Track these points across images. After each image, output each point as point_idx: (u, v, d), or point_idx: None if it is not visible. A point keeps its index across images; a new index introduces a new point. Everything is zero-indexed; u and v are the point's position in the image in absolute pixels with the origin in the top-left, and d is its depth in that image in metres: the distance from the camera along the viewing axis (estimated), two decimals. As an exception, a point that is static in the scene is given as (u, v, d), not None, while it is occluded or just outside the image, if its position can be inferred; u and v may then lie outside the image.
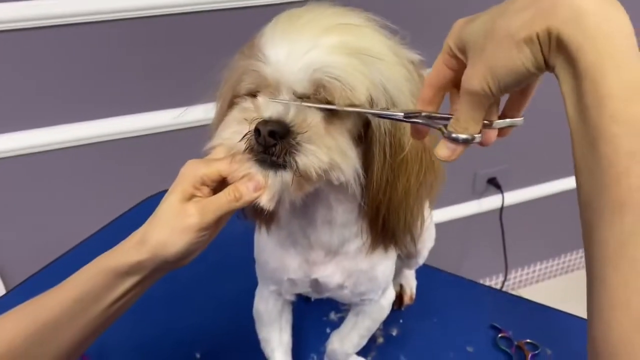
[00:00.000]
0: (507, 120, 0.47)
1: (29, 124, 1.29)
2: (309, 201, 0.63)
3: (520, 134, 2.09)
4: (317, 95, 0.54)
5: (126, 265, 0.57)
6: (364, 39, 0.55)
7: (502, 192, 1.96)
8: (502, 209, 1.99)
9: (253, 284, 0.83)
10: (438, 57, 0.47)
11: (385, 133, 0.56)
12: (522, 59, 0.39)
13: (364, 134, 0.57)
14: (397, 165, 0.58)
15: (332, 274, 0.71)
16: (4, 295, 1.08)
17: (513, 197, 2.01)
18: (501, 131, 0.49)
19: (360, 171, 0.57)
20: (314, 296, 0.80)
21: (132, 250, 0.57)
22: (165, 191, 1.31)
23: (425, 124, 0.49)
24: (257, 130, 0.53)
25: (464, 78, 0.43)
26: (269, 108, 0.54)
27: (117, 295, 0.58)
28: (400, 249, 0.70)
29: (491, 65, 0.41)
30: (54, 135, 1.31)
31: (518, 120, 0.48)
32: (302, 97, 0.54)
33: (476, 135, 0.45)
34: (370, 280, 0.72)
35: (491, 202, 1.98)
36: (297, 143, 0.53)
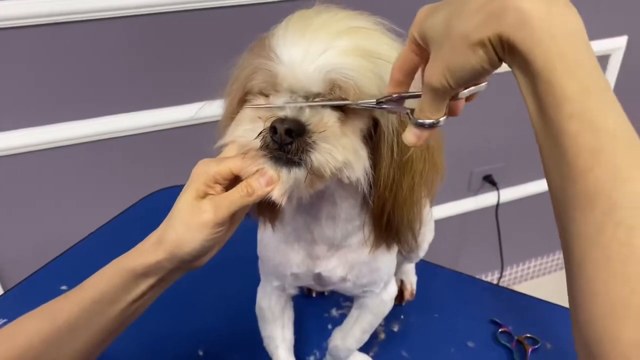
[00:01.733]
0: (472, 88, 0.48)
1: (27, 122, 1.29)
2: (314, 198, 0.64)
3: (516, 132, 2.10)
4: (332, 95, 0.55)
5: (144, 266, 0.57)
6: (374, 42, 0.56)
7: (497, 189, 1.97)
8: (497, 206, 2.00)
9: (256, 281, 0.83)
10: (406, 43, 0.48)
11: (393, 132, 0.58)
12: (478, 59, 0.41)
13: (373, 134, 0.59)
14: (403, 164, 0.59)
15: (334, 268, 0.72)
16: (1, 295, 1.08)
17: (509, 194, 2.02)
18: (468, 99, 0.50)
19: (369, 170, 0.58)
20: (316, 289, 0.81)
21: (149, 251, 0.57)
22: (164, 189, 1.31)
23: (394, 109, 0.52)
24: (273, 128, 0.53)
25: (425, 73, 0.45)
26: (284, 106, 0.55)
27: (135, 296, 0.59)
28: (403, 247, 0.70)
29: (448, 63, 0.42)
30: (52, 134, 1.31)
31: (482, 86, 0.48)
32: (316, 97, 0.55)
33: (441, 119, 0.47)
34: (372, 271, 0.74)
35: (487, 199, 2.00)
36: (313, 142, 0.54)
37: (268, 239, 0.74)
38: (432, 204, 0.78)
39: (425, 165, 0.61)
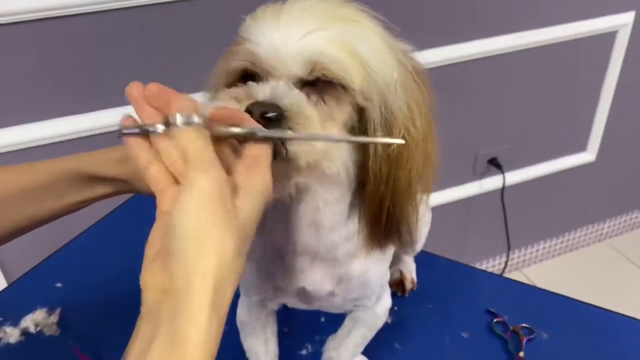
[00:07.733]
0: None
1: (24, 118, 1.29)
2: (294, 202, 0.60)
3: (521, 114, 2.05)
4: (315, 78, 0.53)
5: (105, 174, 0.57)
6: (360, 29, 0.54)
7: (503, 172, 1.94)
8: (503, 189, 1.97)
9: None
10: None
11: (379, 124, 0.55)
12: None
13: (357, 127, 0.56)
14: (395, 156, 0.56)
15: (320, 282, 0.67)
16: (5, 288, 1.08)
17: (514, 177, 1.99)
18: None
19: (351, 163, 0.56)
20: (300, 307, 0.75)
21: (113, 166, 0.57)
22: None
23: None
24: (248, 112, 0.49)
25: None
26: (262, 90, 0.51)
27: (84, 198, 0.57)
28: (401, 243, 0.66)
29: None
30: (53, 129, 1.31)
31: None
32: (300, 80, 0.53)
33: None
34: (363, 285, 0.69)
35: (492, 182, 1.97)
36: (289, 128, 0.50)
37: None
38: (428, 198, 0.74)
39: (421, 158, 0.58)
